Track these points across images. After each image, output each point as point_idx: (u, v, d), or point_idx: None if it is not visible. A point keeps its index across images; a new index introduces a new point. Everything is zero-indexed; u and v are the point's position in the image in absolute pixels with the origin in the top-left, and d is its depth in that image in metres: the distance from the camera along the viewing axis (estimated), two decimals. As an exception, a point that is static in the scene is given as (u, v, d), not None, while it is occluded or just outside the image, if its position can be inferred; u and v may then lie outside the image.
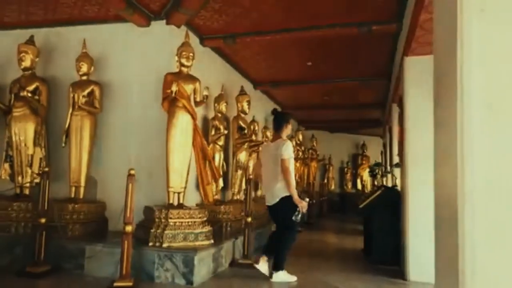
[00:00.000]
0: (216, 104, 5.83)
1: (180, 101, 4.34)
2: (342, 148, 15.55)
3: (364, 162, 15.20)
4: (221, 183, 5.86)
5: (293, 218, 4.01)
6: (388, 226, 5.03)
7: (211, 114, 5.90)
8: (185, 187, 4.43)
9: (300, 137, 11.30)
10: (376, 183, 14.55)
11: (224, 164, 5.92)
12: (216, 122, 5.70)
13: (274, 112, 4.56)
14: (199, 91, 4.56)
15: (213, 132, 5.67)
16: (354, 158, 15.66)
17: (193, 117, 4.44)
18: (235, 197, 6.23)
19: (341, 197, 15.01)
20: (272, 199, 4.18)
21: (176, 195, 4.41)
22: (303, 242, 7.08)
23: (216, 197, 5.75)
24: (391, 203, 5.15)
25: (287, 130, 4.35)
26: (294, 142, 10.58)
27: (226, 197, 6.61)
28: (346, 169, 15.40)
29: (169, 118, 4.39)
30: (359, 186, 15.13)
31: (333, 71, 7.39)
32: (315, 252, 6.12)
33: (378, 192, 5.46)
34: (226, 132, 5.67)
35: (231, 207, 5.49)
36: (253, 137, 6.74)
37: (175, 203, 4.38)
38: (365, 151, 15.37)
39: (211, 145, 5.65)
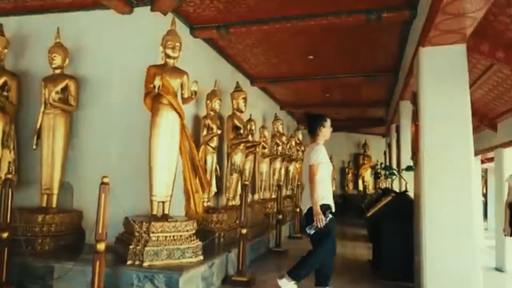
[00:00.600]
0: (208, 101, 5.29)
1: (164, 98, 3.80)
2: (343, 148, 15.07)
3: (365, 162, 14.91)
4: (214, 188, 5.33)
5: (306, 229, 3.56)
6: (400, 237, 4.51)
7: (203, 113, 5.36)
8: (171, 196, 3.89)
9: (300, 136, 10.86)
10: (379, 185, 14.20)
11: (218, 167, 5.38)
12: (208, 121, 5.16)
13: (307, 115, 4.03)
14: (187, 86, 4.01)
15: (204, 132, 5.13)
16: (355, 158, 15.33)
17: (180, 116, 3.90)
18: (230, 203, 5.71)
19: (342, 198, 14.42)
20: (303, 207, 3.78)
21: (160, 204, 3.88)
22: (305, 250, 6.54)
23: (209, 203, 5.22)
24: (403, 211, 4.62)
25: (323, 133, 3.83)
26: (293, 142, 10.05)
27: (220, 203, 6.08)
28: (347, 170, 15.05)
29: (153, 117, 3.85)
30: (361, 187, 14.78)
31: (336, 66, 6.85)
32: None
33: (388, 199, 4.93)
34: (219, 132, 5.13)
35: (224, 215, 4.96)
36: (250, 138, 6.20)
37: (160, 213, 3.85)
38: (366, 150, 15.05)
39: (202, 147, 5.11)
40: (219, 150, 5.73)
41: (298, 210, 7.92)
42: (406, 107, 6.55)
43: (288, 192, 9.83)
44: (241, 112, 5.91)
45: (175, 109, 3.83)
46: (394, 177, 7.30)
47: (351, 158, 15.35)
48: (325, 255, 3.57)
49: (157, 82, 3.61)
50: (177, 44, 3.93)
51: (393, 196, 4.93)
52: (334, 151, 14.37)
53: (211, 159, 5.18)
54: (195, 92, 3.96)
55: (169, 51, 3.91)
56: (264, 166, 7.71)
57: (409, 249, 4.35)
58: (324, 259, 3.58)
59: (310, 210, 3.56)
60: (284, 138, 8.61)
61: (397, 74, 6.96)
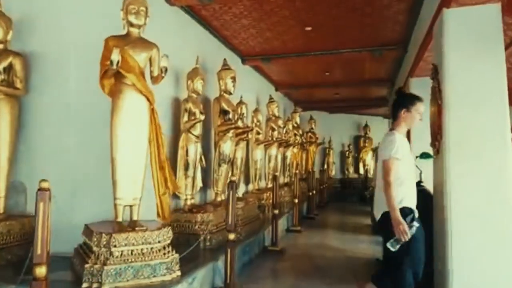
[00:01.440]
0: (189, 82, 4.51)
1: (127, 77, 3.03)
2: (343, 130, 14.43)
3: (366, 144, 14.13)
4: (199, 182, 4.61)
5: (388, 244, 2.78)
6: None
7: (184, 95, 4.59)
8: (140, 198, 3.16)
9: (298, 119, 10.15)
10: None
11: (203, 158, 4.63)
12: (190, 105, 4.40)
13: (398, 93, 3.23)
14: (157, 62, 3.23)
15: (185, 118, 4.37)
16: (356, 141, 14.58)
17: (149, 100, 3.13)
18: (218, 198, 5.00)
19: (342, 183, 14.10)
20: (376, 212, 3.05)
21: (128, 209, 3.15)
22: (303, 247, 5.89)
23: (193, 201, 4.50)
24: (419, 208, 3.91)
25: (406, 119, 2.97)
26: (290, 126, 9.31)
27: (208, 198, 5.38)
28: (347, 153, 14.33)
29: (114, 102, 3.09)
30: (362, 171, 14.03)
31: (337, 39, 6.04)
32: (320, 265, 4.91)
33: (401, 192, 4.19)
34: (202, 117, 4.37)
35: (210, 214, 4.24)
36: (240, 123, 5.46)
37: (127, 220, 3.13)
38: (367, 132, 14.27)
39: (183, 135, 4.36)
40: (204, 138, 4.99)
41: (296, 201, 7.22)
42: (417, 85, 5.76)
43: (286, 180, 9.15)
44: (230, 93, 5.15)
45: (141, 92, 3.06)
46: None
47: (351, 141, 14.58)
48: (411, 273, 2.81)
49: (115, 56, 2.83)
50: (142, 8, 3.13)
51: (408, 189, 4.18)
52: (334, 133, 14.00)
53: (194, 149, 4.43)
54: (166, 69, 3.18)
55: (131, 18, 3.12)
56: (258, 154, 6.99)
57: (428, 254, 3.65)
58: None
59: (386, 216, 2.81)
60: (280, 122, 7.87)
61: (405, 47, 6.17)
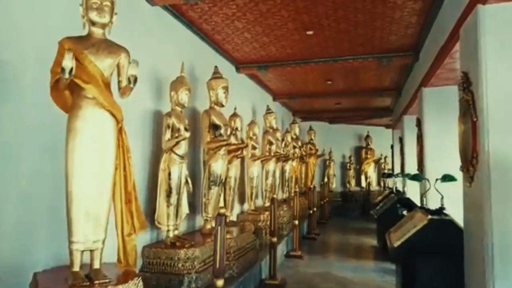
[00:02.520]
0: (173, 93, 3.87)
1: (86, 89, 2.39)
2: (343, 141, 13.96)
3: (369, 156, 13.74)
4: (185, 209, 3.95)
5: None
6: (445, 283, 3.16)
7: (167, 108, 3.95)
8: (103, 240, 2.50)
9: (297, 130, 9.56)
10: (386, 184, 13.01)
11: (189, 180, 3.96)
12: (173, 120, 3.75)
13: None
14: (126, 70, 2.59)
15: (168, 135, 3.72)
16: (357, 152, 14.08)
17: (115, 117, 2.49)
18: (208, 226, 4.35)
19: (343, 197, 13.60)
20: None
21: (88, 254, 2.49)
22: (305, 279, 5.21)
23: (176, 232, 3.83)
24: (446, 244, 3.30)
25: None
26: (289, 138, 8.75)
27: (196, 224, 4.73)
28: (348, 165, 13.84)
29: (70, 120, 2.44)
30: (364, 184, 13.59)
31: (341, 45, 5.43)
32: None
33: (423, 222, 3.57)
34: (188, 135, 3.71)
35: (196, 250, 3.57)
36: (233, 139, 4.83)
37: (87, 267, 2.47)
38: (369, 143, 13.85)
39: (165, 155, 3.71)
40: (192, 156, 4.37)
41: (296, 222, 6.54)
42: (432, 96, 5.23)
43: (285, 195, 8.49)
44: (222, 106, 4.54)
45: (105, 107, 2.42)
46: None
47: (352, 152, 14.13)
48: None
49: (68, 62, 2.19)
50: (106, 3, 2.49)
51: (429, 221, 3.54)
52: (334, 144, 13.50)
53: (178, 171, 3.77)
54: (135, 79, 2.51)
55: (93, 15, 2.48)
56: (254, 170, 6.32)
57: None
58: None
59: None
60: (278, 135, 7.24)
61: (417, 53, 5.59)
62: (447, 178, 3.82)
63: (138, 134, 3.77)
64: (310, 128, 11.35)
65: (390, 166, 13.55)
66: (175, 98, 3.86)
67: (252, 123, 6.44)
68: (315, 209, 8.81)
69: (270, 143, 6.89)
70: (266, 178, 6.89)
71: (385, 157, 13.64)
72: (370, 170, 13.59)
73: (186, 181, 3.93)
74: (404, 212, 5.56)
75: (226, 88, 4.53)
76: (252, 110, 7.29)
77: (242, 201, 6.50)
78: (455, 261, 3.18)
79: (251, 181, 6.30)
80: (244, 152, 5.43)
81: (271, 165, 6.96)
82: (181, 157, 3.80)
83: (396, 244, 3.56)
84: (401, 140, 9.79)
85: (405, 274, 3.54)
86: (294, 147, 9.21)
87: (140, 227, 2.55)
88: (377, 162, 13.82)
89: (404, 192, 7.59)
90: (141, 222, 2.55)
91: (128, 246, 2.50)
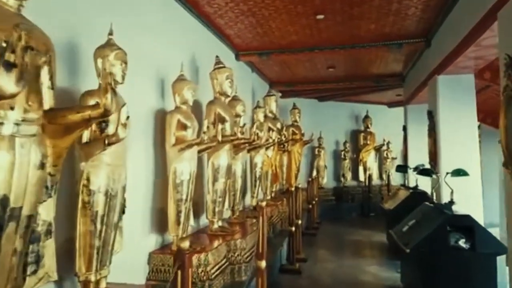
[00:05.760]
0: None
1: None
2: (336, 123, 15.23)
3: (369, 141, 14.99)
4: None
5: None
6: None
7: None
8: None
9: (273, 106, 9.04)
10: (391, 177, 14.24)
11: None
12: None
13: None
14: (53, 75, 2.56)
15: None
16: (354, 137, 15.45)
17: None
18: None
19: (337, 195, 14.60)
20: None
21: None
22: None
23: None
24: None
25: None
26: (260, 115, 8.27)
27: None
28: (343, 153, 15.06)
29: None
30: (362, 177, 14.89)
31: (351, 30, 7.19)
32: None
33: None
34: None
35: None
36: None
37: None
38: (369, 126, 15.13)
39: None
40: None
41: (292, 229, 7.82)
42: (448, 84, 6.94)
43: (254, 201, 7.93)
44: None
45: None
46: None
47: (347, 137, 15.47)
48: None
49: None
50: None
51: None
52: (324, 127, 14.56)
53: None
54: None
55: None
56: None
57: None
58: None
59: None
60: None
61: (429, 40, 7.38)
62: (460, 172, 5.52)
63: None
64: (294, 106, 11.59)
65: (394, 155, 14.95)
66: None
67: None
68: (299, 222, 8.61)
69: (270, 130, 8.18)
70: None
71: (388, 143, 14.97)
72: (370, 160, 14.78)
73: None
74: (464, 244, 5.37)
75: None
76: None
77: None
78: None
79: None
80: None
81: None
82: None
83: None
84: (405, 129, 11.39)
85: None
86: (270, 129, 8.58)
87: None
88: (378, 149, 15.03)
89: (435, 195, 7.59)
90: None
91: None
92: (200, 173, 5.79)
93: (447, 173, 5.65)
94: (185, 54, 5.88)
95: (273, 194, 9.11)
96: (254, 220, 6.36)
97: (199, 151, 5.13)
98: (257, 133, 7.50)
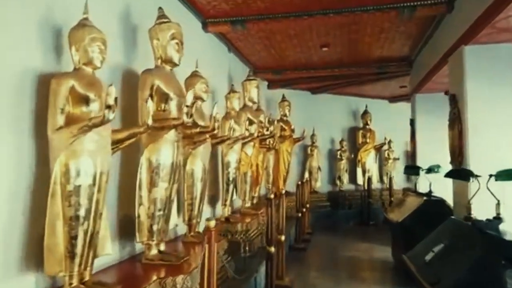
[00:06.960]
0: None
1: None
2: (332, 119, 14.35)
3: (368, 140, 14.13)
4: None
5: None
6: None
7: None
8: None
9: (254, 92, 7.73)
10: (393, 180, 13.40)
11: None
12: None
13: None
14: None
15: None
16: (352, 134, 14.56)
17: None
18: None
19: (333, 200, 13.62)
20: None
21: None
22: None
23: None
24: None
25: None
26: (235, 102, 7.28)
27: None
28: (339, 153, 14.22)
29: None
30: (360, 180, 13.94)
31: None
32: None
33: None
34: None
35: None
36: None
37: None
38: (368, 122, 14.30)
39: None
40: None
41: (272, 250, 5.73)
42: (479, 55, 5.46)
43: (229, 210, 6.93)
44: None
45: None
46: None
47: (344, 135, 14.60)
48: None
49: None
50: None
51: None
52: (318, 123, 13.71)
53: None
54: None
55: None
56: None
57: None
58: None
59: None
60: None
61: (451, 2, 5.95)
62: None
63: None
64: (283, 98, 11.17)
65: (396, 155, 14.36)
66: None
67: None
68: (283, 238, 6.55)
69: (251, 123, 7.24)
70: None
71: (390, 142, 14.19)
72: (370, 161, 13.94)
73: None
74: None
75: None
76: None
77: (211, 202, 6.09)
78: None
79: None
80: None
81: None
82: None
83: None
84: (412, 123, 10.28)
85: None
86: (250, 122, 7.71)
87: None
88: (378, 149, 14.21)
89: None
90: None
91: None
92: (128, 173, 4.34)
93: (491, 176, 3.94)
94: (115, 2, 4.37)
95: (254, 201, 8.15)
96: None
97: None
98: (231, 125, 6.67)
